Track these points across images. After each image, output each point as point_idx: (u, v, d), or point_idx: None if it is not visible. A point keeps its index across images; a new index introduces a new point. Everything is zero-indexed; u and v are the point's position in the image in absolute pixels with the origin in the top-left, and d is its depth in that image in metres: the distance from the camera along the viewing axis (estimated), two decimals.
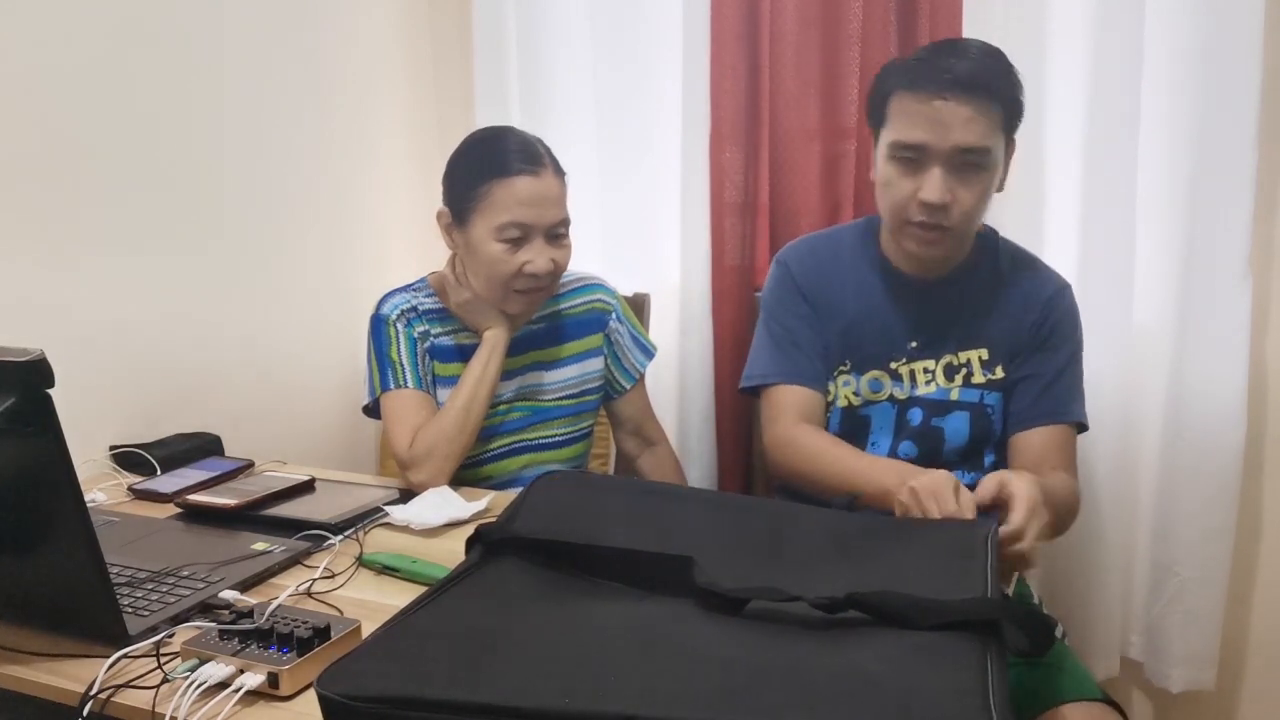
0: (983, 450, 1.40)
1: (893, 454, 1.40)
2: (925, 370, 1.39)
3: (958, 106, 1.23)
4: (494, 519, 1.02)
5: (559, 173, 1.48)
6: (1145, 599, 1.72)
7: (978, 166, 1.26)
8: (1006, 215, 1.65)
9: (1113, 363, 1.63)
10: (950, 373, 1.39)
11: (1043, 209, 1.66)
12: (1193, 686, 1.68)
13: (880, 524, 1.05)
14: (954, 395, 1.38)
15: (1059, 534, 1.30)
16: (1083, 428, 1.39)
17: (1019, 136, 1.32)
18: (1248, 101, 1.48)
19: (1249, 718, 1.75)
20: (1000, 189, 1.33)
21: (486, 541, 0.96)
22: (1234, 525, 1.62)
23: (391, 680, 0.73)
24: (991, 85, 1.25)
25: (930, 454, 1.37)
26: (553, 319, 1.61)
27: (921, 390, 1.39)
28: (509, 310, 1.51)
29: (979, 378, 1.38)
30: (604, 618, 0.83)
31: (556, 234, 1.47)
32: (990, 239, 1.42)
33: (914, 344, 1.39)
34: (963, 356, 1.38)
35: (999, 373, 1.38)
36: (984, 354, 1.38)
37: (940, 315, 1.39)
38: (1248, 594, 1.70)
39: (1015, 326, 1.37)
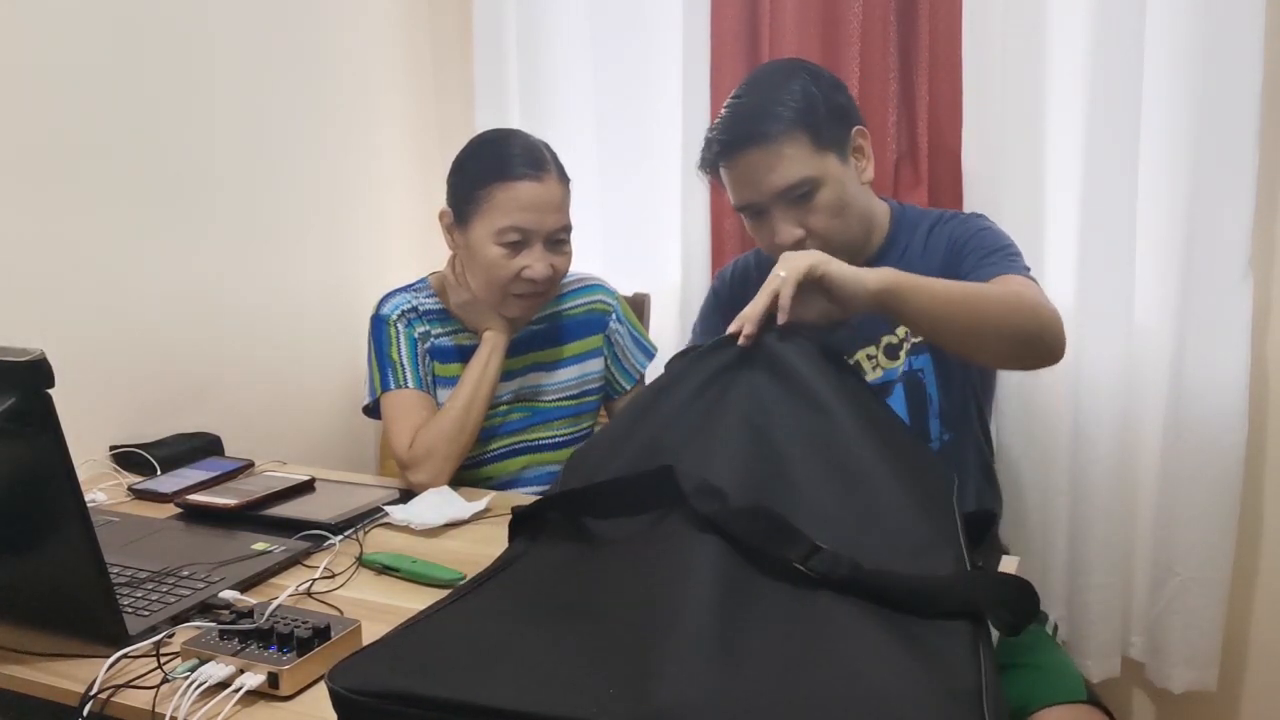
0: (924, 417, 1.37)
1: None
2: (869, 357, 1.38)
3: (756, 158, 1.28)
4: (499, 517, 1.02)
5: (563, 179, 1.48)
6: (1146, 599, 1.72)
7: (810, 193, 1.28)
8: (1006, 216, 1.65)
9: (1113, 363, 1.63)
10: (892, 352, 1.38)
11: (1043, 209, 1.66)
12: (1194, 687, 1.67)
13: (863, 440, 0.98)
14: (897, 373, 1.37)
15: (1025, 335, 1.14)
16: None
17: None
18: (1248, 102, 1.48)
19: (1251, 718, 1.75)
20: (867, 176, 1.34)
21: (527, 521, 0.98)
22: (1235, 525, 1.62)
23: (399, 677, 0.74)
24: (776, 124, 1.26)
25: None
26: (553, 320, 1.61)
27: (871, 378, 1.38)
28: (506, 314, 1.51)
29: (906, 344, 1.36)
30: (614, 614, 0.83)
31: (557, 240, 1.47)
32: (906, 216, 1.41)
33: (848, 335, 1.38)
34: (900, 332, 1.37)
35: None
36: None
37: None
38: (1249, 594, 1.70)
39: (931, 273, 1.33)
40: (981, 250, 1.30)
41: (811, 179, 1.27)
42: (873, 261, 1.38)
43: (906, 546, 0.85)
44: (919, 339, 1.35)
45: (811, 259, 1.03)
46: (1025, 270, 1.28)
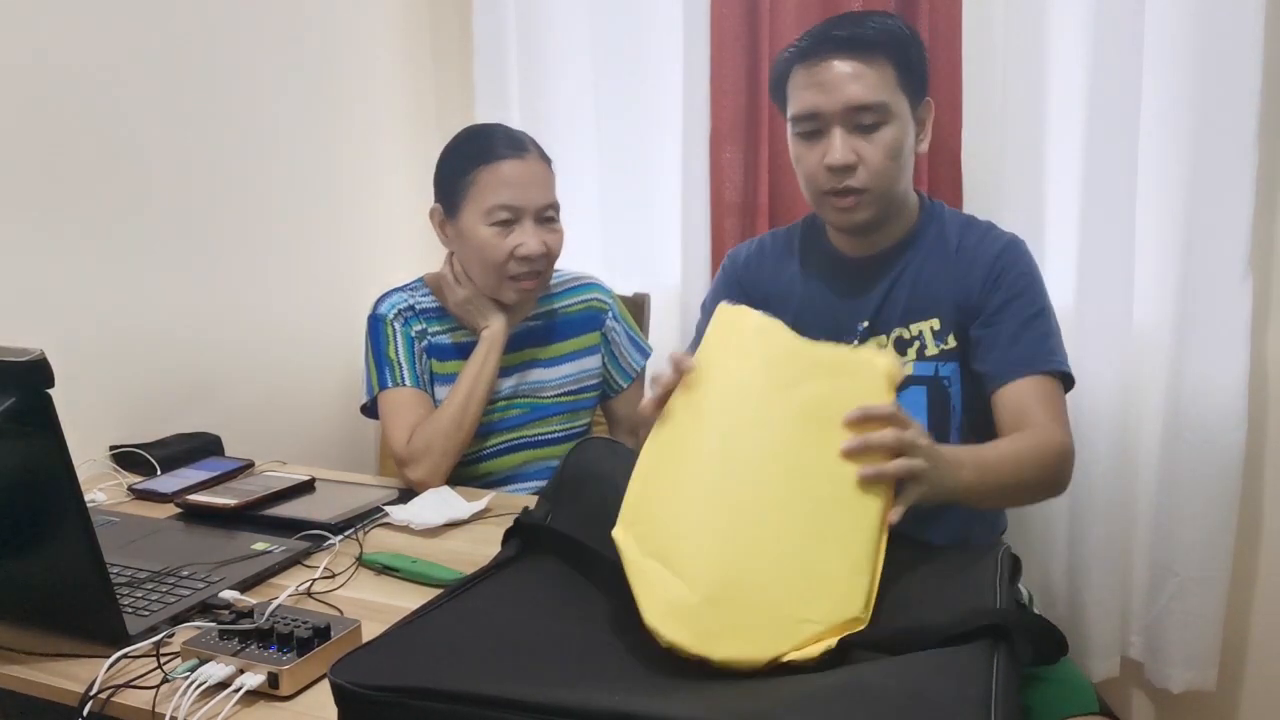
0: (946, 429, 1.34)
1: None
2: (879, 347, 1.35)
3: (841, 65, 1.25)
4: (499, 517, 1.02)
5: (545, 159, 1.51)
6: (1145, 599, 1.72)
7: (877, 124, 1.26)
8: (1007, 215, 1.65)
9: (1113, 363, 1.63)
10: (902, 346, 1.34)
11: (1043, 209, 1.66)
12: (1193, 687, 1.67)
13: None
14: (907, 370, 1.33)
15: (1048, 491, 1.21)
16: (1067, 378, 1.28)
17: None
18: (1248, 101, 1.48)
19: (1250, 718, 1.75)
20: (922, 149, 1.33)
21: (524, 533, 0.97)
22: (1234, 525, 1.62)
23: (402, 671, 0.74)
24: (874, 41, 1.25)
25: None
26: (549, 317, 1.61)
27: None
28: (505, 299, 1.51)
29: (932, 349, 1.33)
30: (620, 624, 0.83)
31: (546, 217, 1.49)
32: (937, 209, 1.39)
33: (864, 324, 1.36)
34: (914, 329, 1.34)
35: (951, 341, 1.32)
36: (935, 324, 1.33)
37: (887, 290, 1.35)
38: (1248, 594, 1.70)
39: (964, 289, 1.31)
40: (1019, 313, 1.28)
41: (887, 107, 1.25)
42: (905, 242, 1.35)
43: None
44: (948, 345, 1.32)
45: (914, 466, 0.94)
46: (1056, 361, 1.26)
